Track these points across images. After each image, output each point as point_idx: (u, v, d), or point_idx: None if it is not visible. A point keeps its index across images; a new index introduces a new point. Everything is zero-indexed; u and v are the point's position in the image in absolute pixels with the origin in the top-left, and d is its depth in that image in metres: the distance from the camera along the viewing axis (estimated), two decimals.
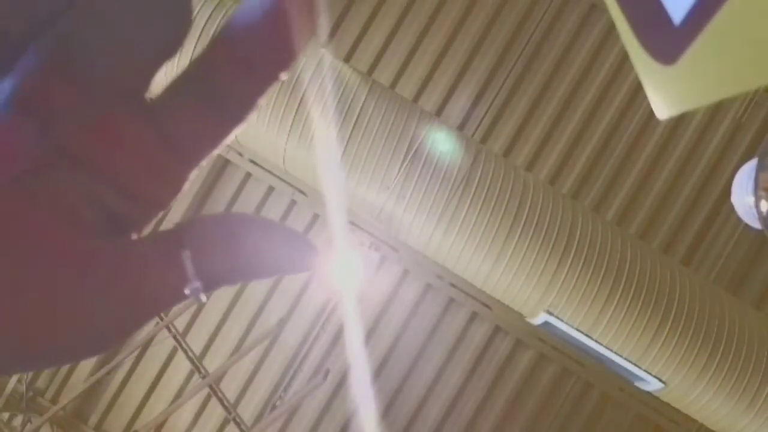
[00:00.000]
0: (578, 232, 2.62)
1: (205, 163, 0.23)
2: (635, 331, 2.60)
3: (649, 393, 2.92)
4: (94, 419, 3.69)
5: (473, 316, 3.56)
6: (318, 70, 2.60)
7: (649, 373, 2.68)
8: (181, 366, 3.59)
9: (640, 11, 0.40)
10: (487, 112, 3.67)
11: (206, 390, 3.29)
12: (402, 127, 2.63)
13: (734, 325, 2.63)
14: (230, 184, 3.64)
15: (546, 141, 3.66)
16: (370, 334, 3.53)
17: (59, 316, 0.19)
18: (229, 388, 3.54)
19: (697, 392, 2.65)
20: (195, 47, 2.60)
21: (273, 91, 0.22)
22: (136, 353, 3.54)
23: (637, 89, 3.59)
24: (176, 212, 3.56)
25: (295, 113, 2.59)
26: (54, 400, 3.66)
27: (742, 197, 1.60)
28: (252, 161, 3.55)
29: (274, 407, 3.51)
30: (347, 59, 3.63)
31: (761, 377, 2.59)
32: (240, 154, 3.56)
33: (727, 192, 1.87)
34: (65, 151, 0.19)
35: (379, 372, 3.54)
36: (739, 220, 1.68)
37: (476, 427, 3.56)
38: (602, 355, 2.73)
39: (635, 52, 0.40)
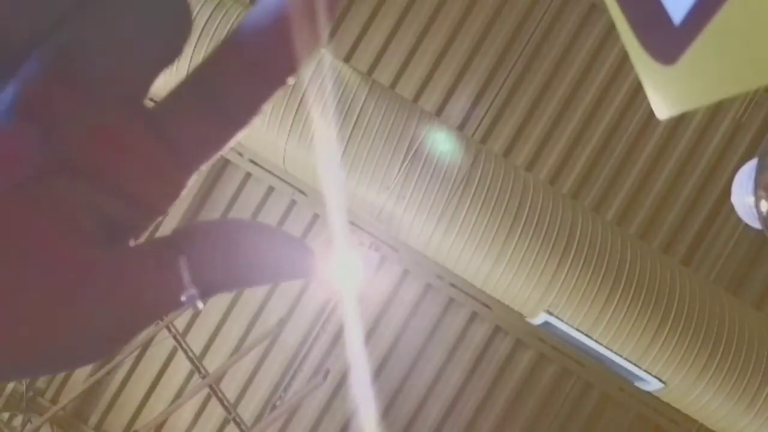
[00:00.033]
0: (578, 232, 2.62)
1: (205, 168, 0.23)
2: (635, 331, 2.60)
3: (649, 393, 2.92)
4: (94, 419, 3.69)
5: (473, 316, 3.56)
6: (318, 70, 2.60)
7: (649, 373, 2.68)
8: (181, 366, 3.59)
9: (640, 11, 0.40)
10: (487, 112, 3.67)
11: (206, 390, 3.29)
12: (402, 127, 2.63)
13: (734, 325, 2.63)
14: (230, 184, 3.64)
15: (546, 141, 3.66)
16: (370, 334, 3.53)
17: (58, 323, 0.19)
18: (229, 388, 3.54)
19: (697, 392, 2.65)
20: (194, 47, 2.60)
21: (278, 96, 0.22)
22: (136, 353, 3.54)
23: (637, 89, 3.59)
24: (176, 212, 3.56)
25: (295, 113, 2.59)
26: (54, 400, 3.66)
27: (742, 197, 1.60)
28: (252, 161, 3.55)
29: (274, 407, 3.51)
30: (347, 59, 3.63)
31: (761, 377, 2.59)
32: (240, 154, 3.56)
33: (727, 192, 1.87)
34: (67, 158, 0.19)
35: (379, 372, 3.54)
36: (739, 220, 1.68)
37: (476, 427, 3.56)
38: (602, 355, 2.73)
39: (635, 52, 0.40)
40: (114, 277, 0.19)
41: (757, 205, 1.45)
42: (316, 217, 3.59)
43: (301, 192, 3.55)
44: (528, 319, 2.90)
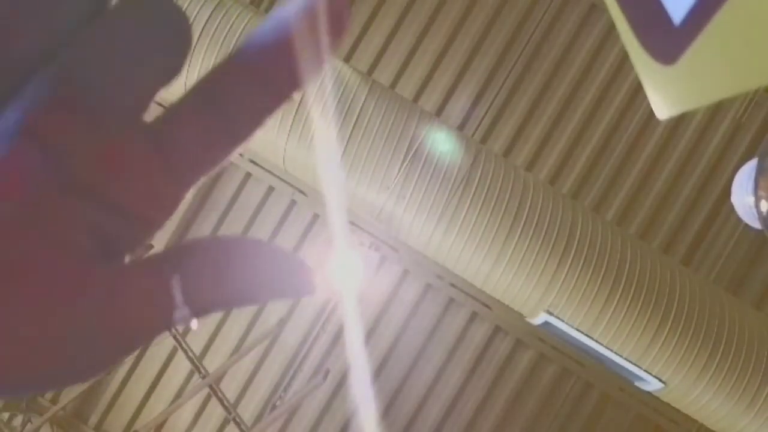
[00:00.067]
0: (578, 232, 2.62)
1: (204, 180, 0.23)
2: (635, 331, 2.60)
3: (649, 393, 2.92)
4: (94, 419, 3.69)
5: (473, 316, 3.56)
6: None
7: (649, 373, 2.68)
8: (181, 366, 3.59)
9: (640, 11, 0.40)
10: (487, 112, 3.67)
11: (206, 390, 3.29)
12: (402, 127, 2.63)
13: (734, 325, 2.63)
14: (230, 184, 3.64)
15: (546, 141, 3.66)
16: (370, 334, 3.53)
17: (48, 341, 0.18)
18: (229, 388, 3.54)
19: (697, 392, 2.65)
20: (194, 47, 2.60)
21: (282, 110, 0.22)
22: (136, 353, 3.54)
23: (637, 89, 3.59)
24: (177, 213, 3.55)
25: (295, 113, 2.59)
26: (54, 400, 3.66)
27: (742, 197, 1.60)
28: (252, 161, 3.55)
29: (274, 407, 3.51)
30: (347, 59, 3.63)
31: (761, 377, 2.59)
32: (240, 154, 3.56)
33: (727, 192, 1.87)
34: (66, 176, 0.19)
35: (379, 372, 3.55)
36: (739, 220, 1.68)
37: (476, 427, 3.56)
38: (602, 355, 2.73)
39: (635, 52, 0.40)
40: (106, 297, 0.19)
41: (757, 205, 1.45)
42: (316, 217, 3.59)
43: (301, 192, 3.55)
44: (528, 319, 2.90)
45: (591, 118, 3.66)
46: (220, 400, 3.31)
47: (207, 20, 2.61)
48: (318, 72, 0.21)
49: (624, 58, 3.53)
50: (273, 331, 3.37)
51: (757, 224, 1.51)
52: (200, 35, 2.60)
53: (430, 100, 3.67)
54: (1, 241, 0.17)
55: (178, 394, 3.61)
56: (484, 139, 3.65)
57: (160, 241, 3.24)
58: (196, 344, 3.54)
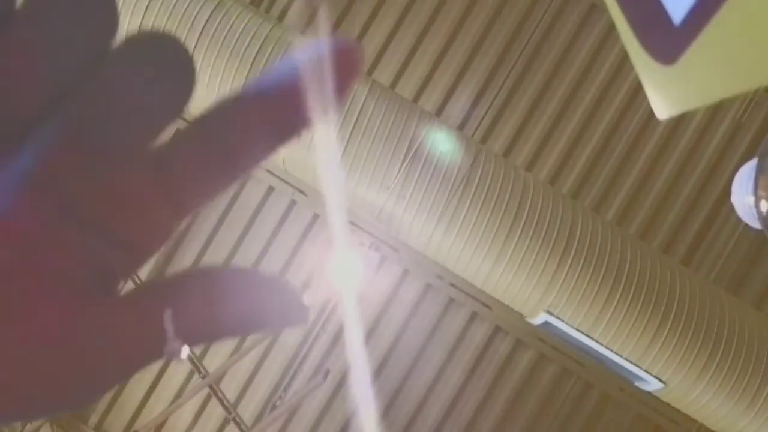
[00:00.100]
0: (578, 232, 2.62)
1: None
2: (635, 331, 2.60)
3: (649, 393, 2.92)
4: (94, 419, 3.69)
5: (473, 316, 3.56)
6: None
7: (649, 373, 2.68)
8: (181, 366, 3.59)
9: (640, 11, 0.40)
10: (487, 112, 3.67)
11: (206, 390, 3.29)
12: (402, 127, 2.63)
13: (734, 325, 2.63)
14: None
15: (546, 141, 3.65)
16: (370, 334, 3.53)
17: (40, 371, 0.18)
18: (229, 388, 3.54)
19: (697, 392, 2.65)
20: (194, 47, 2.61)
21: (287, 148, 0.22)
22: None
23: (637, 89, 3.59)
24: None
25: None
26: None
27: (742, 197, 1.60)
28: None
29: (274, 407, 3.51)
30: None
31: (761, 377, 2.59)
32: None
33: (727, 192, 1.87)
34: (68, 210, 0.19)
35: (379, 372, 3.54)
36: (739, 220, 1.68)
37: (476, 427, 3.56)
38: (602, 355, 2.73)
39: (635, 52, 0.40)
40: (98, 329, 0.19)
41: (757, 205, 1.45)
42: (316, 217, 3.59)
43: (301, 192, 3.55)
44: (528, 319, 2.90)
45: (591, 118, 3.66)
46: (220, 400, 3.31)
47: (207, 20, 2.61)
48: (327, 114, 0.21)
49: (624, 58, 3.53)
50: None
51: (757, 224, 1.51)
52: (200, 35, 2.60)
53: (430, 100, 3.67)
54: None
55: (178, 394, 3.61)
56: (484, 139, 3.65)
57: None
58: None
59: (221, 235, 3.60)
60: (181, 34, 2.62)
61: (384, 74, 3.65)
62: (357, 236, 3.48)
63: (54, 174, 0.18)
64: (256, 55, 2.60)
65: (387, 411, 3.53)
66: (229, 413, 3.30)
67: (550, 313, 2.68)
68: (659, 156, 3.64)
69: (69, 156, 0.18)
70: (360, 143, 2.60)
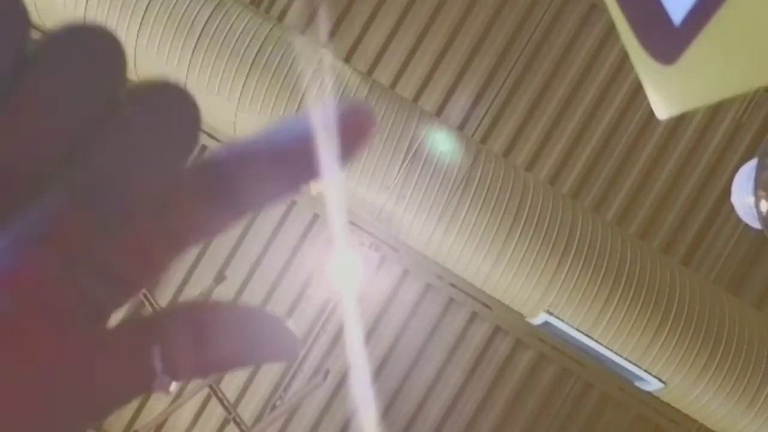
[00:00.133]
0: (578, 232, 2.62)
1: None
2: (635, 331, 2.60)
3: (649, 393, 2.92)
4: None
5: (473, 316, 3.56)
6: (318, 70, 2.60)
7: (649, 373, 2.68)
8: None
9: (640, 11, 0.40)
10: (487, 112, 3.67)
11: (206, 390, 3.29)
12: (402, 127, 2.63)
13: (734, 325, 2.63)
14: None
15: (546, 141, 3.65)
16: (370, 334, 3.53)
17: (25, 406, 0.18)
18: (229, 388, 3.54)
19: (697, 392, 2.66)
20: (194, 47, 2.61)
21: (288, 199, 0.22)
22: None
23: (637, 89, 3.59)
24: None
25: (295, 113, 2.59)
26: None
27: (742, 197, 1.60)
28: None
29: (274, 407, 3.51)
30: (347, 59, 3.63)
31: (761, 377, 2.59)
32: None
33: (727, 192, 1.87)
34: (68, 257, 0.19)
35: (379, 372, 3.54)
36: (739, 220, 1.68)
37: (476, 427, 3.56)
38: (602, 355, 2.73)
39: (635, 52, 0.40)
40: (86, 365, 0.19)
41: (757, 205, 1.45)
42: (316, 217, 3.59)
43: None
44: (528, 319, 2.90)
45: (591, 118, 3.66)
46: (220, 400, 3.31)
47: (207, 20, 2.61)
48: (331, 173, 0.21)
49: (624, 58, 3.53)
50: None
51: (757, 224, 1.51)
52: (200, 35, 2.60)
53: (430, 100, 3.67)
54: None
55: (178, 394, 3.61)
56: (484, 139, 3.65)
57: None
58: None
59: (221, 235, 3.60)
60: (181, 34, 2.62)
61: (384, 74, 3.65)
62: (357, 236, 3.48)
63: (61, 231, 0.18)
64: (256, 55, 2.60)
65: (387, 411, 3.53)
66: (229, 413, 3.30)
67: (550, 313, 2.68)
68: (659, 156, 3.64)
69: (77, 214, 0.18)
70: None
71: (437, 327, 3.57)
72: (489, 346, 3.57)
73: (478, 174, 2.64)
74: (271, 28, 2.67)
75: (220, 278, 3.32)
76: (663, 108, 0.40)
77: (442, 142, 2.65)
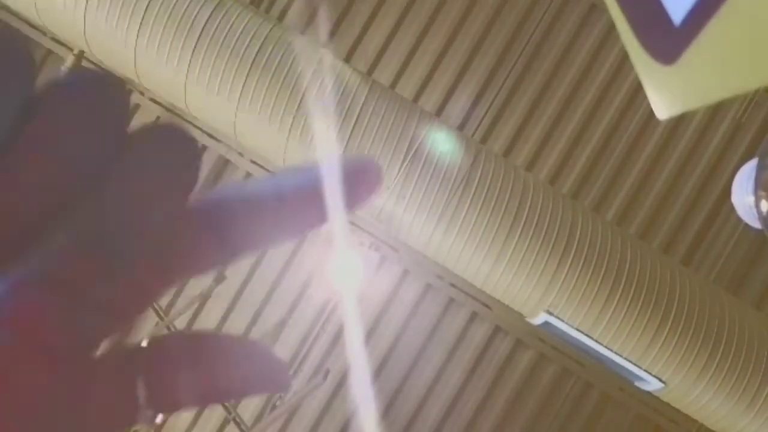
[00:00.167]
0: (578, 232, 2.62)
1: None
2: (635, 331, 2.60)
3: (649, 393, 2.92)
4: None
5: (473, 316, 3.56)
6: (318, 70, 2.60)
7: (649, 373, 2.68)
8: None
9: (640, 11, 0.40)
10: (487, 112, 3.67)
11: None
12: (402, 127, 2.63)
13: (734, 325, 2.63)
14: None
15: (546, 141, 3.66)
16: (370, 334, 3.53)
17: None
18: None
19: (697, 392, 2.66)
20: (194, 48, 2.61)
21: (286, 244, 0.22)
22: None
23: (637, 89, 3.59)
24: None
25: (295, 113, 2.59)
26: None
27: (742, 197, 1.60)
28: (252, 161, 3.55)
29: (274, 407, 3.51)
30: (347, 59, 3.63)
31: (761, 377, 2.59)
32: (240, 154, 3.56)
33: (727, 192, 1.87)
34: (70, 301, 0.19)
35: (379, 372, 3.55)
36: (739, 220, 1.68)
37: (476, 427, 3.56)
38: (602, 355, 2.73)
39: (635, 52, 0.40)
40: (71, 397, 0.19)
41: (757, 205, 1.44)
42: None
43: None
44: (528, 319, 2.90)
45: (591, 118, 3.66)
46: None
47: (207, 20, 2.61)
48: (333, 222, 0.21)
49: (624, 58, 3.53)
50: (273, 331, 3.37)
51: (757, 224, 1.51)
52: (200, 35, 2.60)
53: (430, 100, 3.67)
54: None
55: None
56: (484, 139, 3.65)
57: None
58: None
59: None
60: (181, 34, 2.62)
61: (384, 74, 3.65)
62: (357, 236, 3.48)
63: (64, 276, 0.18)
64: (256, 55, 2.60)
65: (387, 411, 3.53)
66: (229, 413, 3.30)
67: (550, 313, 2.68)
68: (659, 156, 3.64)
69: (80, 260, 0.18)
70: (360, 143, 2.60)
71: (437, 327, 3.57)
72: (489, 346, 3.57)
73: (478, 174, 2.64)
74: (271, 28, 2.67)
75: (220, 278, 3.33)
76: (663, 108, 0.40)
77: (442, 142, 2.65)
